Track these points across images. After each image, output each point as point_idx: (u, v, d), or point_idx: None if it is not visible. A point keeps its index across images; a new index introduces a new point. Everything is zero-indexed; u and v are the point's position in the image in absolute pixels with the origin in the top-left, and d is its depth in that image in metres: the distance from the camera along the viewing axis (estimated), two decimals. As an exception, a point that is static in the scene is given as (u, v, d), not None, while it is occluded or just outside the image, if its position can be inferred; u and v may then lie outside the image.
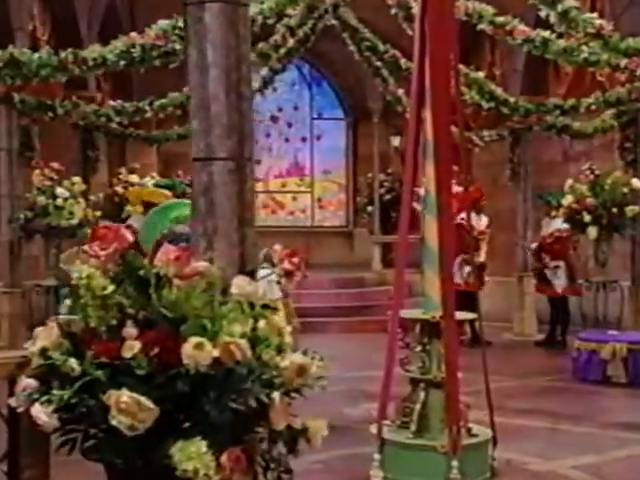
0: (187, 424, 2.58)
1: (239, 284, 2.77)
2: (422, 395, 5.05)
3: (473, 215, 11.72)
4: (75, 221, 9.50)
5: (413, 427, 5.02)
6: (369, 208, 16.41)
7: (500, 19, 8.29)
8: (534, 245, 11.97)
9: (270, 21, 7.84)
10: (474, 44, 13.22)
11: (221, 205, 3.10)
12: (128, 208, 12.55)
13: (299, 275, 2.78)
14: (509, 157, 13.09)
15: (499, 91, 9.89)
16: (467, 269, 10.98)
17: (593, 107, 10.10)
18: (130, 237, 2.73)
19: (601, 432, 7.28)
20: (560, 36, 8.02)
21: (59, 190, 9.48)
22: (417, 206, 10.02)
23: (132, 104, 10.06)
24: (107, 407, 2.51)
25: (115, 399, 2.50)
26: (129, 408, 2.48)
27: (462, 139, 6.19)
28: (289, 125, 17.90)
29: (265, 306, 2.82)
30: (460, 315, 5.49)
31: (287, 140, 17.87)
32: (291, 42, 9.07)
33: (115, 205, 13.16)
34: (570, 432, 7.32)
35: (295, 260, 2.77)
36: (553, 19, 7.28)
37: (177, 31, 7.03)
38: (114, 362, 2.57)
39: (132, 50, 7.32)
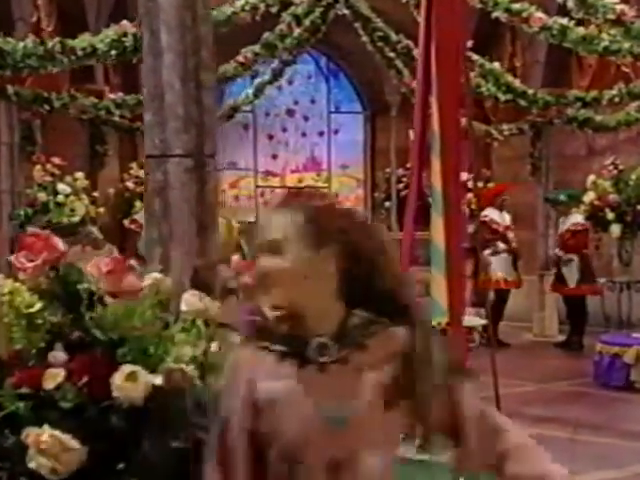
0: (121, 465, 2.20)
1: (189, 300, 2.40)
2: (426, 407, 4.75)
3: (495, 211, 11.39)
4: (77, 218, 9.17)
5: (417, 442, 4.72)
6: (387, 204, 15.99)
7: (516, 6, 7.85)
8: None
9: (273, 9, 7.48)
10: (494, 34, 12.80)
11: (178, 208, 2.73)
12: (138, 204, 12.28)
13: (259, 291, 2.40)
14: (530, 152, 12.65)
15: (517, 83, 9.46)
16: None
17: (616, 99, 9.66)
18: (61, 247, 2.37)
19: (623, 443, 6.87)
20: (580, 24, 7.60)
21: (60, 186, 9.16)
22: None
23: (133, 97, 9.71)
24: (26, 447, 2.14)
25: (34, 438, 2.13)
26: (50, 448, 2.11)
27: (471, 132, 5.78)
28: (306, 119, 17.47)
29: (223, 325, 2.44)
30: (469, 321, 5.19)
31: (304, 134, 17.42)
32: (297, 32, 8.68)
33: (126, 201, 12.89)
34: (590, 443, 6.89)
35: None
36: (571, 4, 6.84)
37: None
38: (37, 392, 2.20)
39: (124, 39, 6.97)
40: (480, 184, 13.33)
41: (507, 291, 11.48)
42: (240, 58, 8.75)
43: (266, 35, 8.63)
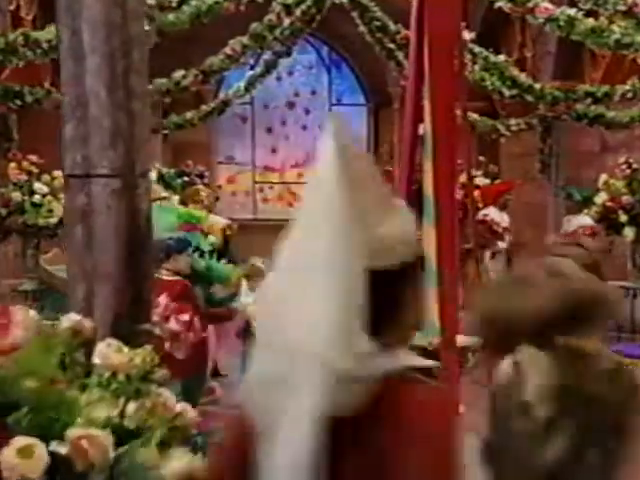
0: None
1: (104, 352, 2.07)
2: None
3: (495, 211, 11.08)
4: (54, 220, 8.83)
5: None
6: (391, 200, 15.66)
7: (520, -5, 7.49)
8: None
9: (260, -1, 7.17)
10: (502, 24, 12.48)
11: (103, 237, 2.39)
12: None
13: (190, 338, 2.06)
14: (539, 147, 12.32)
15: (522, 77, 9.09)
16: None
17: (629, 95, 9.31)
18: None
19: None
20: (590, 15, 7.23)
21: (37, 185, 8.83)
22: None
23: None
24: None
25: None
26: None
27: (466, 125, 5.43)
28: (306, 111, 17.18)
29: (146, 378, 2.10)
30: (462, 341, 4.76)
31: (304, 128, 17.11)
32: (288, 22, 8.35)
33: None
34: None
35: (184, 318, 2.05)
36: (579, -6, 6.48)
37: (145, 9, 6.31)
38: None
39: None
40: (487, 181, 13.15)
41: None
42: (227, 50, 8.42)
43: (254, 26, 8.29)
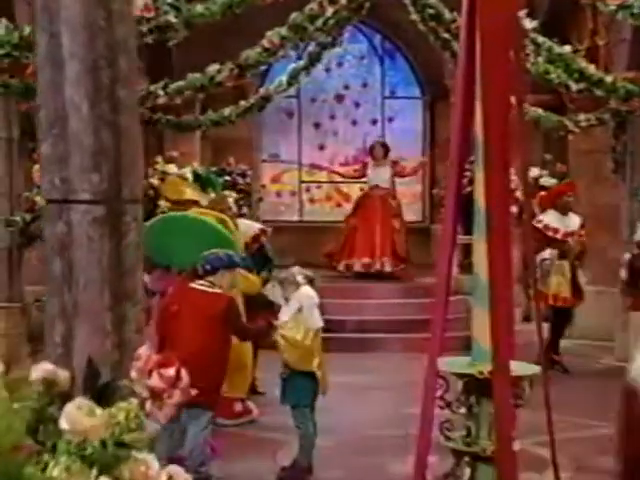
0: None
1: (73, 415, 1.88)
2: (467, 472, 4.50)
3: (555, 214, 10.76)
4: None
5: (457, 512, 4.40)
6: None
7: (590, -20, 7.21)
8: (627, 256, 10.76)
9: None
10: (572, 9, 12.16)
11: (85, 271, 2.23)
12: (162, 203, 12.00)
13: (175, 397, 1.88)
14: (612, 145, 11.99)
15: (591, 69, 8.78)
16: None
17: None
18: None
19: None
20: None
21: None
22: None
23: (142, 88, 9.28)
24: None
25: None
26: None
27: (520, 120, 5.22)
28: (357, 105, 16.99)
29: (120, 445, 1.90)
30: (518, 369, 4.61)
31: (354, 122, 16.97)
32: (330, 11, 8.17)
33: (150, 200, 12.62)
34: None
35: (169, 373, 1.86)
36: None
37: (170, 0, 6.18)
38: None
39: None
40: (553, 181, 12.85)
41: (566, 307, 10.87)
42: (265, 43, 8.28)
43: (294, 16, 8.14)
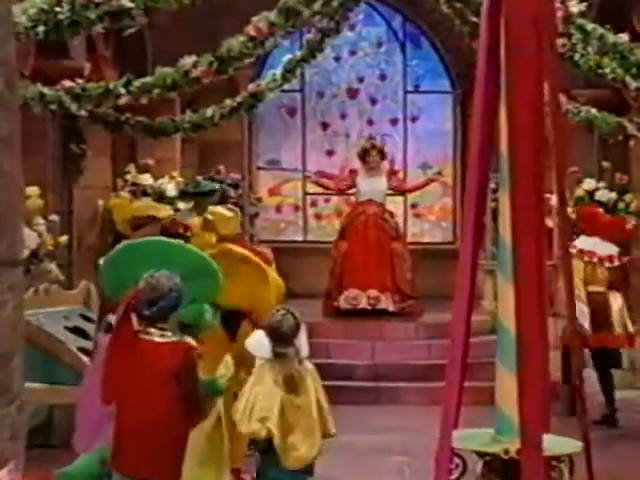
0: None
1: None
2: None
3: (592, 239, 11.05)
4: (25, 253, 8.57)
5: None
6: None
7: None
8: None
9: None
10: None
11: None
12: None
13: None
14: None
15: (654, 61, 8.63)
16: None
17: None
18: None
19: None
20: None
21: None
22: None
23: (98, 85, 9.09)
24: None
25: None
26: None
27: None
28: (373, 101, 17.04)
29: None
30: (553, 445, 4.51)
31: (370, 122, 16.98)
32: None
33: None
34: None
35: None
36: None
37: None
38: None
39: (58, 10, 6.23)
40: (612, 195, 12.66)
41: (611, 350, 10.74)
42: (250, 30, 8.10)
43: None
